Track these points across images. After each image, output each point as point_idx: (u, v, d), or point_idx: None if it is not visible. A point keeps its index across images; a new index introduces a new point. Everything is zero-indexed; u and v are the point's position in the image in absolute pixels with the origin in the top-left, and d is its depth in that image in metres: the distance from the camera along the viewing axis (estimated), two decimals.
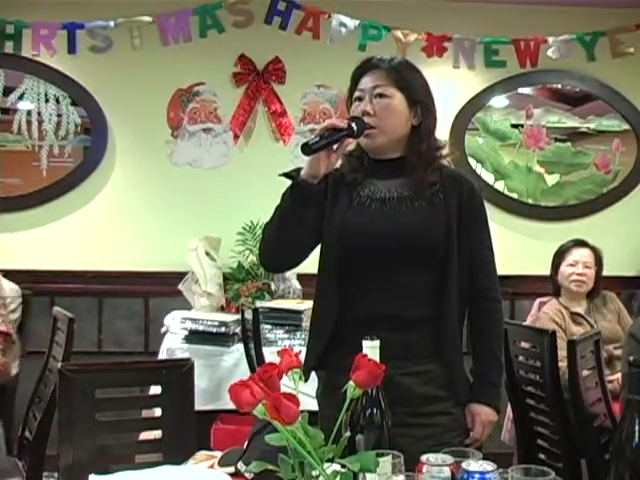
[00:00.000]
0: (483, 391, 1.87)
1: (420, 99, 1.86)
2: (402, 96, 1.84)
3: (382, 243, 1.82)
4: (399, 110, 1.84)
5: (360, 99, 1.85)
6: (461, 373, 1.87)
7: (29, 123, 4.04)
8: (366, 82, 1.85)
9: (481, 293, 1.89)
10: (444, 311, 1.82)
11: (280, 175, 1.79)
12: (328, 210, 1.88)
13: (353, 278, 1.85)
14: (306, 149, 1.71)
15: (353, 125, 1.77)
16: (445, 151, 1.90)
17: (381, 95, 1.83)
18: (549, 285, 3.48)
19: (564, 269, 3.37)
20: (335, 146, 1.75)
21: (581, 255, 3.38)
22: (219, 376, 3.25)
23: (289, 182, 1.78)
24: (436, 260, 1.82)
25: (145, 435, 2.18)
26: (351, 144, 1.84)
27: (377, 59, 1.88)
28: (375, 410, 1.37)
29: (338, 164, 1.85)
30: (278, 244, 1.84)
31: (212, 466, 1.78)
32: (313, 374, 1.92)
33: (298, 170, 1.78)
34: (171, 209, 4.10)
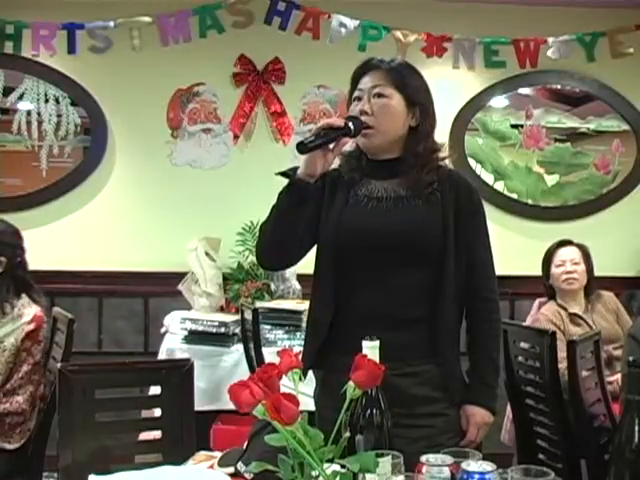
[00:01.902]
0: (478, 392, 1.87)
1: (419, 100, 1.86)
2: (401, 97, 1.84)
3: (377, 241, 1.81)
4: (397, 110, 1.84)
5: (359, 99, 1.85)
6: (457, 374, 1.86)
7: (29, 123, 4.04)
8: (365, 82, 1.85)
9: (478, 293, 1.89)
10: (440, 311, 1.82)
11: (277, 174, 1.79)
12: (325, 209, 1.88)
13: (349, 277, 1.84)
14: (301, 148, 1.70)
15: (350, 124, 1.76)
16: (443, 153, 1.90)
17: (379, 95, 1.83)
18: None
19: (554, 271, 3.38)
20: (332, 145, 1.75)
21: (567, 253, 3.39)
22: (219, 376, 3.25)
23: (287, 181, 1.78)
24: (432, 259, 1.82)
25: (145, 435, 2.18)
26: (349, 144, 1.83)
27: (377, 60, 1.88)
28: (375, 410, 1.37)
29: (336, 164, 1.85)
30: (275, 243, 1.85)
31: (212, 466, 1.78)
32: (310, 374, 1.92)
33: (295, 169, 1.78)
34: (171, 209, 4.10)
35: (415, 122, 1.86)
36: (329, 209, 1.88)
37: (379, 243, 1.81)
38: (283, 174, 1.77)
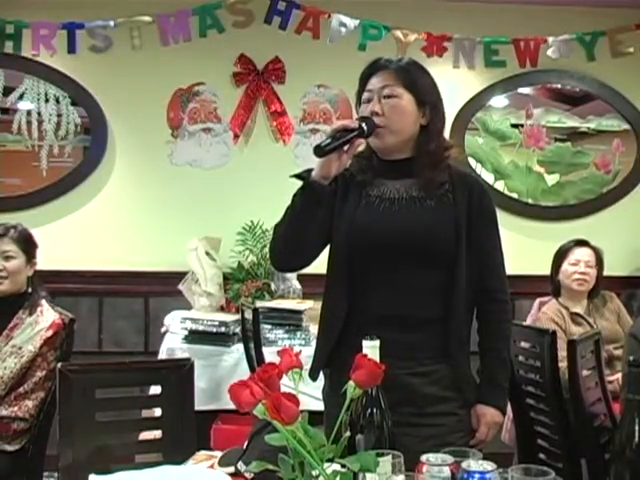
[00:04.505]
0: (489, 392, 1.88)
1: (428, 99, 1.86)
2: (410, 96, 1.84)
3: (390, 242, 1.82)
4: (408, 110, 1.84)
5: (369, 100, 1.85)
6: (467, 374, 1.87)
7: (29, 123, 4.04)
8: (374, 83, 1.85)
9: (490, 294, 1.89)
10: (451, 311, 1.82)
11: (291, 176, 1.79)
12: (337, 210, 1.88)
13: (361, 277, 1.85)
14: (318, 151, 1.71)
15: (363, 125, 1.77)
16: (453, 151, 1.90)
17: (389, 95, 1.83)
18: (549, 285, 3.48)
19: (566, 268, 3.38)
20: (346, 147, 1.75)
21: (583, 254, 3.40)
22: (219, 376, 3.25)
23: (293, 181, 1.78)
24: (444, 260, 1.82)
25: (145, 435, 2.18)
26: (361, 144, 1.84)
27: (385, 60, 1.88)
28: (375, 410, 1.37)
29: (348, 164, 1.85)
30: (289, 244, 1.85)
31: (212, 466, 1.78)
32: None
33: (309, 171, 1.78)
34: (171, 209, 4.10)
35: (426, 121, 1.86)
36: (342, 210, 1.88)
37: (391, 244, 1.82)
38: (298, 176, 1.78)
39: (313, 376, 1.86)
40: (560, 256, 3.44)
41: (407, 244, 1.81)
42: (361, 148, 1.87)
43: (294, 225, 1.80)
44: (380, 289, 1.83)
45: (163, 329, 3.65)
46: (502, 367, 1.91)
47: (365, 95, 1.87)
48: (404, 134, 1.85)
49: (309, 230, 1.81)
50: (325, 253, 1.92)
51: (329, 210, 1.86)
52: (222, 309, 3.76)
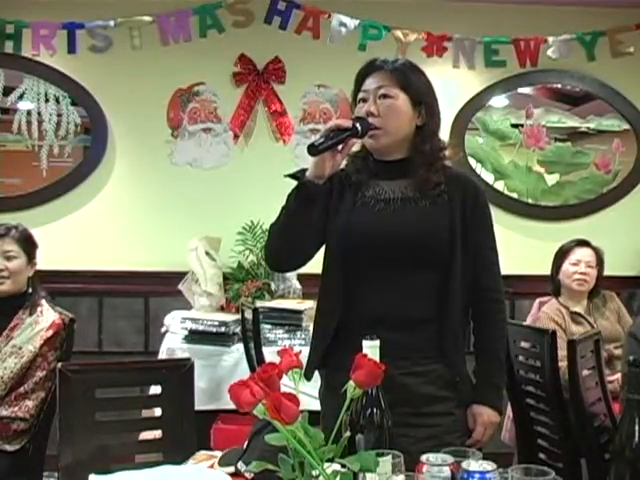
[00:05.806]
0: (485, 392, 1.88)
1: (424, 99, 1.87)
2: (406, 97, 1.84)
3: (385, 243, 1.82)
4: (403, 110, 1.84)
5: (364, 100, 1.86)
6: (463, 374, 1.87)
7: (29, 123, 4.04)
8: (370, 83, 1.86)
9: (485, 294, 1.89)
10: (446, 311, 1.83)
11: (285, 176, 1.79)
12: (332, 210, 1.89)
13: (356, 278, 1.85)
14: (312, 150, 1.71)
15: (357, 125, 1.77)
16: (448, 152, 1.90)
17: (385, 96, 1.83)
18: (549, 285, 3.49)
19: (566, 268, 3.38)
20: (340, 146, 1.75)
21: (583, 254, 3.40)
22: (219, 376, 3.25)
23: (292, 182, 1.78)
24: (439, 260, 1.82)
25: (145, 435, 2.19)
26: (356, 144, 1.84)
27: (381, 60, 1.88)
28: (375, 410, 1.37)
29: (343, 164, 1.85)
30: (284, 244, 1.85)
31: (212, 466, 1.78)
32: (316, 373, 1.92)
33: (303, 171, 1.78)
34: (171, 209, 4.10)
35: (421, 121, 1.87)
36: (337, 210, 1.88)
37: (386, 245, 1.82)
38: (292, 176, 1.78)
39: (307, 376, 1.86)
40: (561, 256, 3.44)
41: (402, 245, 1.81)
42: (356, 148, 1.87)
43: (289, 225, 1.81)
44: (375, 289, 1.83)
45: (163, 329, 3.65)
46: (498, 367, 1.91)
47: (360, 96, 1.87)
48: (399, 134, 1.85)
49: (304, 230, 1.81)
50: (322, 253, 1.92)
51: (324, 210, 1.87)
52: (222, 309, 3.75)
